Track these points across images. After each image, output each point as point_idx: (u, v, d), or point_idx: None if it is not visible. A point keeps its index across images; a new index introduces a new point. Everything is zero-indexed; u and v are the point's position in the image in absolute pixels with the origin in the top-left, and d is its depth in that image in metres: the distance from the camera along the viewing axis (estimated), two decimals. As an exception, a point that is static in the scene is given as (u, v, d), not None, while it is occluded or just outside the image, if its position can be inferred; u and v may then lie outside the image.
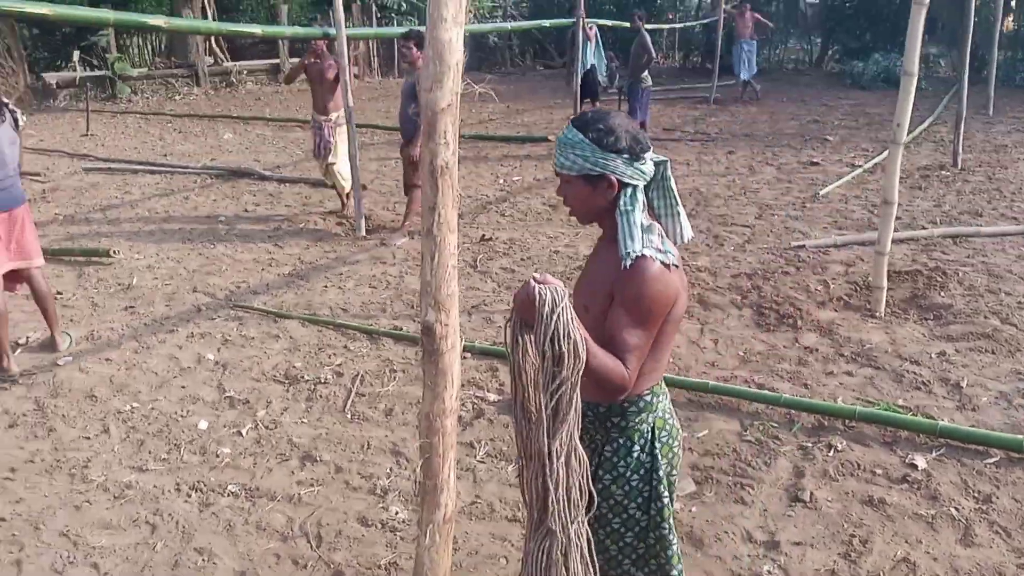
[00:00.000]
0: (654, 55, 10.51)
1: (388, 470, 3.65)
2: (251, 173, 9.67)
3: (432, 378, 1.45)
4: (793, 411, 4.00)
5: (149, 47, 18.81)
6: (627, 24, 11.48)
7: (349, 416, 4.13)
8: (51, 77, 16.27)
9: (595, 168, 1.90)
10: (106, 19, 6.87)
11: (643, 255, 1.86)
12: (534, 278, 1.75)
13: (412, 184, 6.96)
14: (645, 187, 2.00)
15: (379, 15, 20.36)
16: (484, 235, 7.03)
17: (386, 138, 11.89)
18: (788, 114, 13.50)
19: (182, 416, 4.16)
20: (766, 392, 4.17)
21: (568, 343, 1.69)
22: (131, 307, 5.60)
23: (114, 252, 6.56)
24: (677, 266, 1.95)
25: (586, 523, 1.85)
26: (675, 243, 2.03)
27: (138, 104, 16.12)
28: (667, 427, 2.10)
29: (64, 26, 16.27)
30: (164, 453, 3.81)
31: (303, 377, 4.54)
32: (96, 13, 7.48)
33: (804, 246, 6.50)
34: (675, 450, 2.13)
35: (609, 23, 13.41)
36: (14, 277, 4.72)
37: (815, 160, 9.77)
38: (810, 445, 3.73)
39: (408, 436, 3.92)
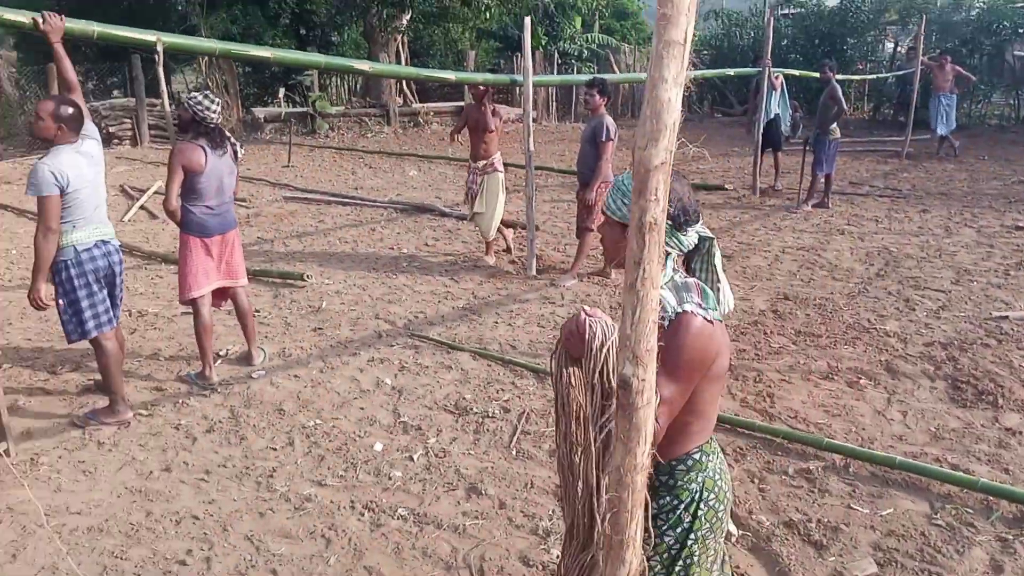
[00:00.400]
0: (845, 108, 10.06)
1: (551, 512, 3.66)
2: (432, 209, 10.11)
3: (625, 432, 1.45)
4: (991, 497, 3.66)
5: (347, 87, 20.24)
6: (816, 74, 11.13)
7: (514, 452, 4.19)
8: (259, 112, 17.84)
9: None
10: (318, 62, 7.47)
11: (684, 311, 1.86)
12: (584, 311, 1.73)
13: (585, 227, 7.03)
14: (690, 258, 2.05)
15: (560, 61, 20.86)
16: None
17: (560, 180, 12.10)
18: (990, 173, 12.51)
19: (359, 436, 4.37)
20: (960, 474, 3.84)
21: (616, 378, 1.66)
22: (319, 329, 5.97)
23: (307, 276, 7.03)
24: (721, 321, 1.93)
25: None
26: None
27: (334, 140, 17.27)
28: (715, 489, 2.03)
29: (275, 66, 17.76)
30: (342, 470, 4.02)
31: (472, 409, 4.65)
32: (310, 57, 8.17)
33: (1008, 317, 5.97)
34: (720, 515, 2.05)
35: (796, 72, 13.03)
36: (221, 294, 5.17)
37: (1021, 225, 8.98)
38: (1011, 538, 3.40)
39: (572, 480, 3.91)
